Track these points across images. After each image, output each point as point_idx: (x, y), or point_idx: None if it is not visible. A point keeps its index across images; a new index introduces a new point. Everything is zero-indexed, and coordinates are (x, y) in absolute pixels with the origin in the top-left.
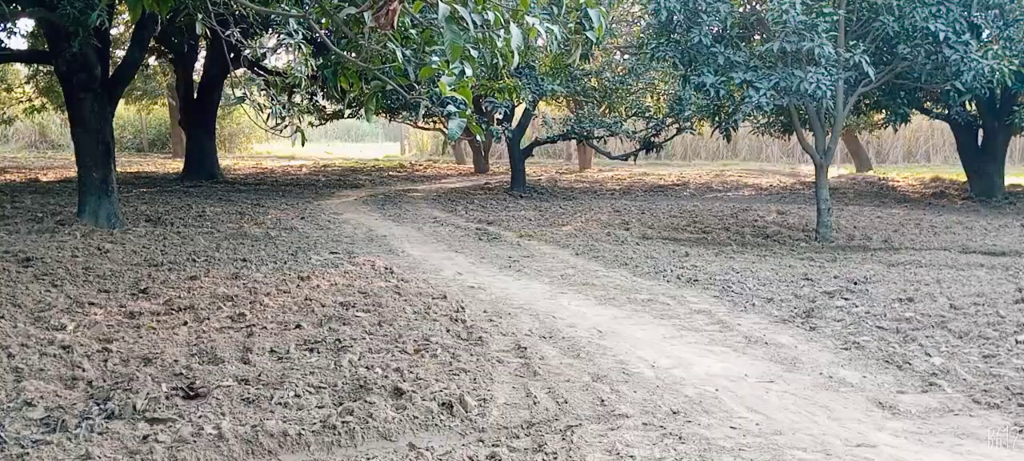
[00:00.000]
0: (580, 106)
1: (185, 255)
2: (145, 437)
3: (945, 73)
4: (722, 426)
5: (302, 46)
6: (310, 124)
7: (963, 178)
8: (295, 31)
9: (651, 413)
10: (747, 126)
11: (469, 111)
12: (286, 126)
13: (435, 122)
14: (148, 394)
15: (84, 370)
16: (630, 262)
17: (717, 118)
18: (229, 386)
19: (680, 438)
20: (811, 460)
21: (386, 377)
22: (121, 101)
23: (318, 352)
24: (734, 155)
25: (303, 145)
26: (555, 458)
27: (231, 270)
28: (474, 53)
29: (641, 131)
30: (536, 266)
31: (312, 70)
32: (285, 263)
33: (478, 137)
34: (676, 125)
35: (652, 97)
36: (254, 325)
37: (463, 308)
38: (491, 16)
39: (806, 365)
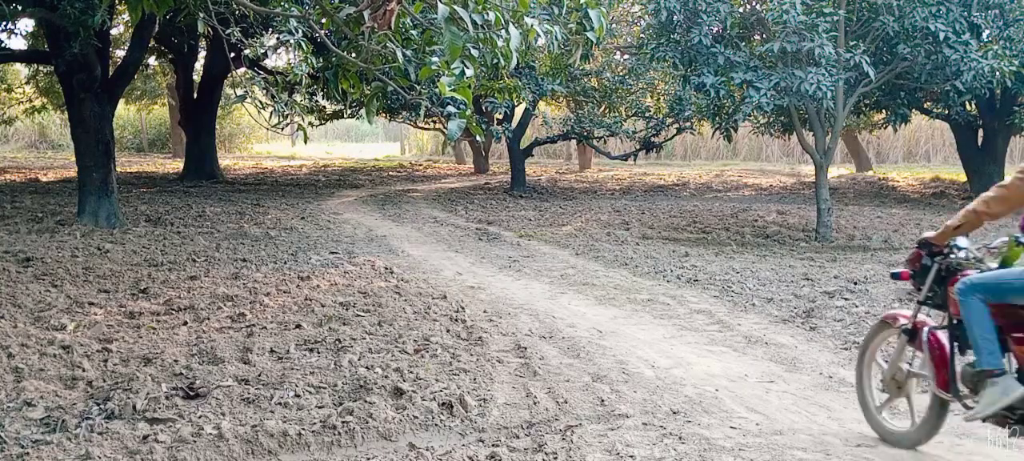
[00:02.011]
0: (580, 106)
1: (185, 255)
2: (145, 437)
3: (945, 73)
4: (722, 426)
5: (302, 44)
6: (310, 124)
7: (963, 178)
8: (295, 30)
9: (651, 413)
10: (747, 126)
11: (469, 111)
12: (288, 124)
13: (435, 122)
14: (148, 394)
15: (84, 370)
16: (630, 262)
17: (717, 118)
18: (229, 386)
19: (680, 438)
20: (811, 460)
21: (386, 377)
22: (121, 101)
23: (318, 352)
24: (734, 155)
25: (305, 143)
26: (555, 458)
27: (231, 270)
28: (474, 53)
29: (641, 131)
30: (536, 266)
31: (312, 69)
32: (285, 263)
33: (478, 137)
34: (676, 125)
35: (652, 97)
36: (254, 325)
37: (463, 308)
38: (491, 16)
39: (806, 365)
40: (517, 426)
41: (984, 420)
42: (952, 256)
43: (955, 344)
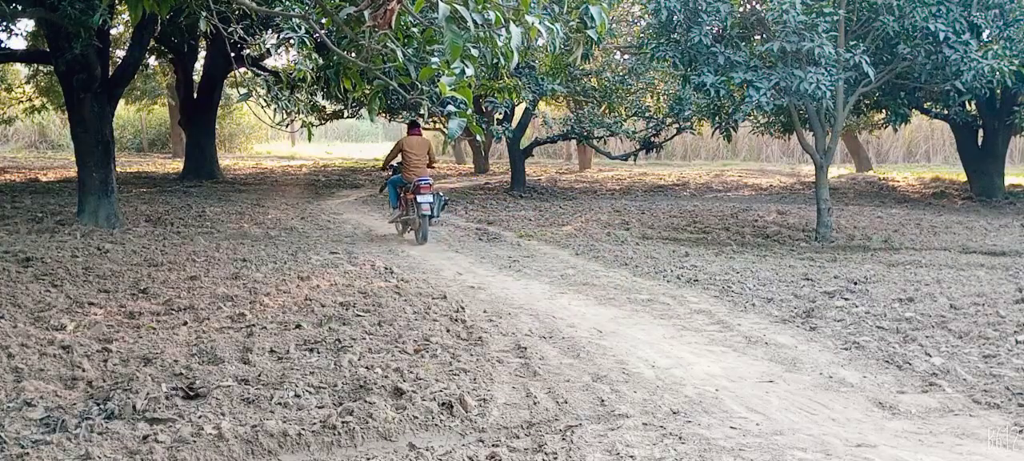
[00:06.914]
0: (580, 106)
1: (185, 255)
2: (145, 437)
3: (945, 73)
4: (722, 426)
5: (306, 41)
6: (312, 123)
7: (963, 178)
8: (297, 27)
9: (651, 413)
10: (747, 126)
11: (469, 111)
12: (292, 121)
13: (435, 122)
14: (148, 394)
15: (84, 370)
16: (630, 262)
17: (717, 118)
18: (229, 386)
19: (680, 438)
20: (811, 460)
21: (386, 377)
22: (121, 101)
23: (318, 352)
24: (734, 155)
25: (310, 140)
26: (555, 458)
27: (231, 270)
28: (474, 52)
29: (641, 131)
30: (536, 266)
31: (315, 66)
32: (285, 263)
33: (478, 137)
34: (676, 125)
35: (652, 97)
36: (254, 325)
37: (463, 308)
38: (492, 15)
39: (806, 365)
40: (517, 426)
41: (392, 222)
42: (392, 171)
43: (395, 198)
